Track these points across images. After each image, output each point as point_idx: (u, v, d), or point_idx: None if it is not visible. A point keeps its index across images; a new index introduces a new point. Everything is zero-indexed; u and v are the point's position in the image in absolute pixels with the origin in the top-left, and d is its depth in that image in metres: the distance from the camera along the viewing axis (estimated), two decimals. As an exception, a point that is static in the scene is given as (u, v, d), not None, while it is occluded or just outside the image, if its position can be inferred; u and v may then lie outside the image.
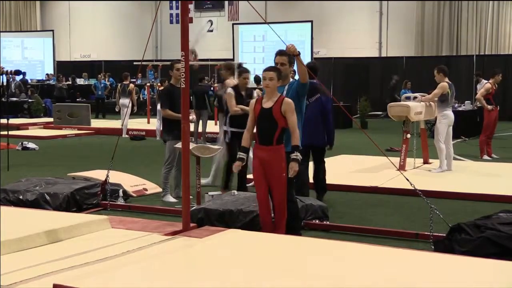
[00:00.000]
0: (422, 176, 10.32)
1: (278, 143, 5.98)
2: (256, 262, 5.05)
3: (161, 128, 10.34)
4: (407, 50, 28.11)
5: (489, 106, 13.02)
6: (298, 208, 6.42)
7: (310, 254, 5.31)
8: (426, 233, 6.31)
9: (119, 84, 18.89)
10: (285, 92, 6.24)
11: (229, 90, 8.64)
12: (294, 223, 6.23)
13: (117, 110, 19.00)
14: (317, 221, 7.13)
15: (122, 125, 17.45)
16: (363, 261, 5.10)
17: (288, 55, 6.23)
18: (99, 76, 26.61)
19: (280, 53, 6.30)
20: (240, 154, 6.17)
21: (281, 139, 5.98)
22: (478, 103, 14.78)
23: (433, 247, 5.95)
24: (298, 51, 6.07)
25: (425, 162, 11.58)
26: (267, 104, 6.02)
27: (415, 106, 10.91)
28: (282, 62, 6.24)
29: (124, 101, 17.72)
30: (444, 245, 5.69)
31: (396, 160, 10.27)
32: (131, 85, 18.29)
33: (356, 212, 8.02)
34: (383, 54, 29.07)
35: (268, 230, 6.15)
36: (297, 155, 5.88)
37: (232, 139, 8.45)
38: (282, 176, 5.97)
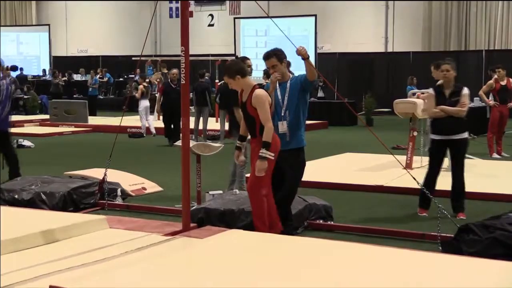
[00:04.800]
0: (429, 175, 10.28)
1: (262, 134, 6.00)
2: (258, 263, 5.06)
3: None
4: (414, 45, 28.07)
5: (491, 102, 13.00)
6: (289, 205, 6.35)
7: (313, 255, 5.31)
8: (433, 233, 6.31)
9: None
10: (287, 89, 6.24)
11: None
12: (283, 222, 6.20)
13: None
14: (321, 221, 7.13)
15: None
16: (368, 262, 5.10)
17: (275, 54, 6.23)
18: (91, 72, 26.59)
19: (266, 57, 6.27)
20: (237, 143, 6.39)
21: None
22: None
23: (440, 248, 5.96)
24: (308, 54, 6.05)
25: (432, 160, 11.54)
26: (244, 97, 6.17)
27: (422, 103, 10.89)
28: (273, 65, 6.24)
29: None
30: (452, 246, 5.69)
31: (402, 158, 10.26)
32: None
33: (361, 211, 8.02)
34: (389, 49, 29.03)
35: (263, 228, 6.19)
36: (264, 152, 5.89)
37: (433, 148, 7.79)
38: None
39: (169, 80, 15.78)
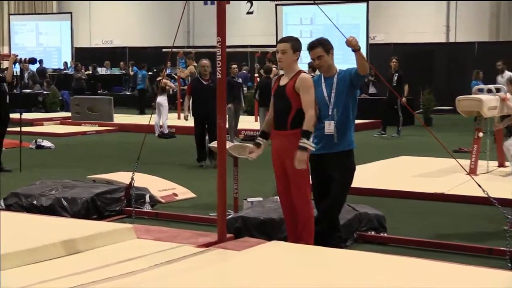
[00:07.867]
0: (497, 181, 10.18)
1: (293, 127, 5.98)
2: (302, 279, 5.04)
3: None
4: (480, 34, 27.73)
5: None
6: (337, 215, 6.28)
7: (364, 271, 5.28)
8: (501, 248, 6.23)
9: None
10: (335, 85, 6.20)
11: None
12: (330, 234, 6.16)
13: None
14: (373, 232, 7.09)
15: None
16: (426, 280, 5.05)
17: (321, 43, 6.18)
18: (141, 65, 26.93)
19: (310, 47, 6.21)
20: (258, 139, 6.31)
21: (297, 123, 5.96)
22: None
23: (510, 264, 5.89)
24: (359, 45, 6.00)
25: (501, 165, 11.42)
26: (283, 81, 6.14)
27: (489, 100, 10.77)
28: (318, 55, 6.17)
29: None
30: (523, 263, 5.62)
31: (466, 162, 10.14)
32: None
33: (419, 222, 7.96)
34: (451, 40, 28.74)
35: (291, 237, 6.17)
36: (305, 142, 5.83)
37: None
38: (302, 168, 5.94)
39: (198, 75, 13.23)
